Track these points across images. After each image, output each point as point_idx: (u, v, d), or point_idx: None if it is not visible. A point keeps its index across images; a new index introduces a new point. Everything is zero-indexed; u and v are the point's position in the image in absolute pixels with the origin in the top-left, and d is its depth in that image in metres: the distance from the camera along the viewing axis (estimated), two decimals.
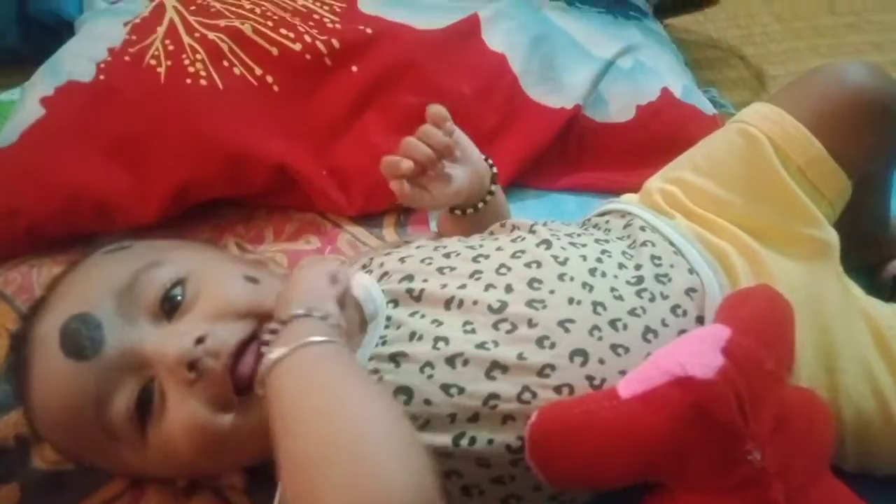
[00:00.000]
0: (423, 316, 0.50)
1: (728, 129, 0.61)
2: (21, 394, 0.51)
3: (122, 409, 0.47)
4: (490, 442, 0.46)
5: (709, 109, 0.83)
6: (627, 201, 0.62)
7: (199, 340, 0.46)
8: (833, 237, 0.57)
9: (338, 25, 0.81)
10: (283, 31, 0.79)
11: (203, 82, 0.76)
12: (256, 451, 0.50)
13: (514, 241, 0.55)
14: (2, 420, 0.58)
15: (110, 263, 0.52)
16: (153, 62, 0.77)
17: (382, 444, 0.37)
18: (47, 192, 0.72)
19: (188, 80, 0.76)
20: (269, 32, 0.79)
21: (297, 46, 0.78)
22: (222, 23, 0.80)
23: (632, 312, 0.50)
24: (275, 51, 0.78)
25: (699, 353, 0.43)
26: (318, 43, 0.78)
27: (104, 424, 0.47)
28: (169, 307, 0.48)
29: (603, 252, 0.54)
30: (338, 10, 0.83)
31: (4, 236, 0.73)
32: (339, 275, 0.50)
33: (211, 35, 0.78)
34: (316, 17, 0.82)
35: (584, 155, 0.80)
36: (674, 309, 0.51)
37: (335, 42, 0.78)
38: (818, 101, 0.58)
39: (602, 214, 0.63)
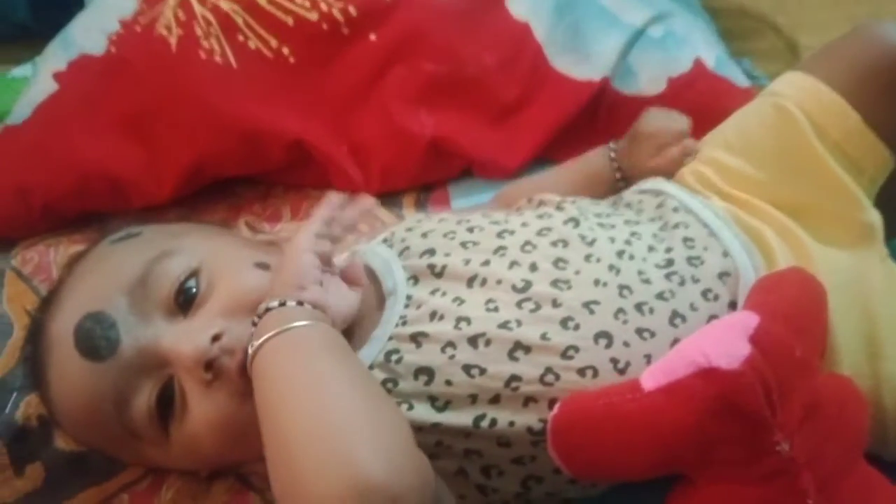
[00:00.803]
0: (444, 294, 0.49)
1: (761, 102, 0.59)
2: (40, 390, 0.51)
3: (143, 409, 0.46)
4: (511, 424, 0.45)
5: (742, 82, 0.79)
6: (660, 181, 0.60)
7: (216, 338, 0.45)
8: (876, 219, 0.54)
9: None
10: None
11: (218, 59, 0.74)
12: None
13: (540, 217, 0.54)
14: (24, 401, 0.59)
15: (120, 254, 0.50)
16: (164, 32, 0.76)
17: (354, 424, 0.37)
18: (61, 170, 0.72)
19: (202, 55, 0.75)
20: (283, 2, 0.76)
21: (314, 15, 0.76)
22: None
23: (659, 296, 0.48)
24: (290, 20, 0.76)
25: (725, 342, 0.42)
26: (334, 11, 0.76)
27: (125, 424, 0.47)
28: (183, 300, 0.47)
29: (633, 234, 0.53)
30: None
31: (20, 213, 0.73)
32: (322, 229, 0.49)
33: (224, 6, 0.76)
34: None
35: (613, 129, 0.76)
36: (705, 293, 0.50)
37: (352, 10, 0.76)
38: (854, 67, 0.55)
39: (635, 193, 0.60)
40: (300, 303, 0.44)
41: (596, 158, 0.68)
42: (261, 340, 0.41)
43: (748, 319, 0.44)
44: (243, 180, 0.78)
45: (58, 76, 0.76)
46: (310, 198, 0.77)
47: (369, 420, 0.37)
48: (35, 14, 1.06)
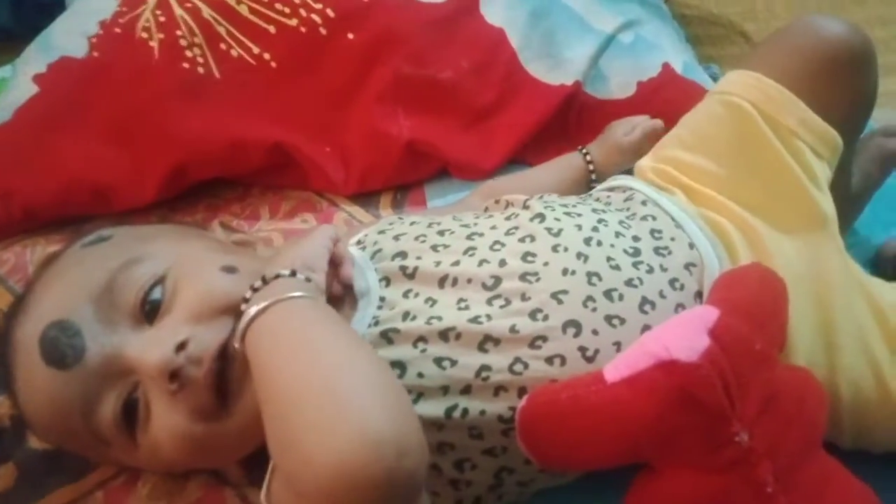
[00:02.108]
0: (416, 295, 0.50)
1: (710, 101, 0.60)
2: (9, 394, 0.51)
3: (109, 417, 0.46)
4: (482, 413, 0.46)
5: (710, 85, 0.80)
6: (627, 178, 0.61)
7: (181, 346, 0.45)
8: (830, 208, 0.56)
9: None
10: (278, 6, 0.78)
11: (200, 70, 0.75)
12: (247, 448, 0.50)
13: (507, 218, 0.55)
14: None
15: (88, 261, 0.50)
16: (144, 35, 0.76)
17: (358, 384, 0.38)
18: (43, 176, 0.72)
19: (185, 66, 0.75)
20: (265, 10, 0.77)
21: (294, 22, 0.77)
22: None
23: (629, 283, 0.49)
24: (272, 29, 0.77)
25: (686, 335, 0.43)
26: (313, 15, 0.77)
27: (93, 431, 0.47)
28: (149, 308, 0.47)
29: (599, 221, 0.53)
30: None
31: (1, 217, 0.72)
32: (335, 238, 0.52)
33: (205, 11, 0.77)
34: None
35: (583, 131, 0.79)
36: (672, 282, 0.51)
37: (330, 12, 0.77)
38: (794, 59, 0.56)
39: (604, 190, 0.62)
40: (307, 279, 0.45)
41: (571, 159, 0.72)
42: (265, 303, 0.42)
43: (708, 314, 0.45)
44: (222, 181, 0.78)
45: (38, 78, 0.76)
46: (288, 198, 0.78)
47: (374, 380, 0.38)
48: (18, 18, 1.06)
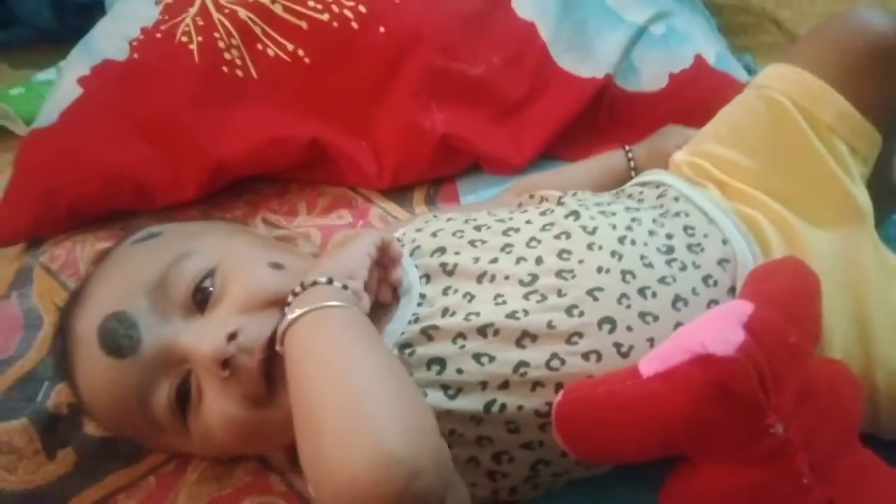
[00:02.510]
0: (455, 291, 0.51)
1: (748, 95, 0.60)
2: (68, 382, 0.53)
3: (163, 403, 0.49)
4: (520, 408, 0.47)
5: (743, 77, 0.80)
6: (660, 173, 0.61)
7: (232, 336, 0.47)
8: (865, 201, 0.55)
9: None
10: (311, 3, 0.79)
11: (239, 73, 0.77)
12: (292, 435, 0.51)
13: (543, 213, 0.56)
14: (55, 389, 0.61)
15: (141, 256, 0.53)
16: (184, 38, 0.78)
17: (379, 401, 0.39)
18: (87, 174, 0.74)
19: (225, 69, 0.77)
20: (297, 7, 0.79)
21: (325, 17, 0.78)
22: None
23: (661, 281, 0.50)
24: (304, 24, 0.78)
25: (721, 329, 0.43)
26: (345, 10, 0.78)
27: (148, 416, 0.49)
28: (200, 299, 0.49)
29: (633, 220, 0.54)
30: None
31: (47, 215, 0.75)
32: (380, 243, 0.52)
33: (241, 13, 0.79)
34: None
35: (615, 125, 0.79)
36: (705, 279, 0.51)
37: (362, 7, 0.78)
38: (836, 54, 0.56)
39: (636, 185, 0.62)
40: (345, 287, 0.46)
41: (613, 157, 0.71)
42: (301, 311, 0.43)
43: (743, 308, 0.45)
44: (261, 177, 0.80)
45: (82, 81, 0.78)
46: (325, 194, 0.79)
47: (396, 399, 0.39)
48: (60, 20, 1.07)
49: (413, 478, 0.35)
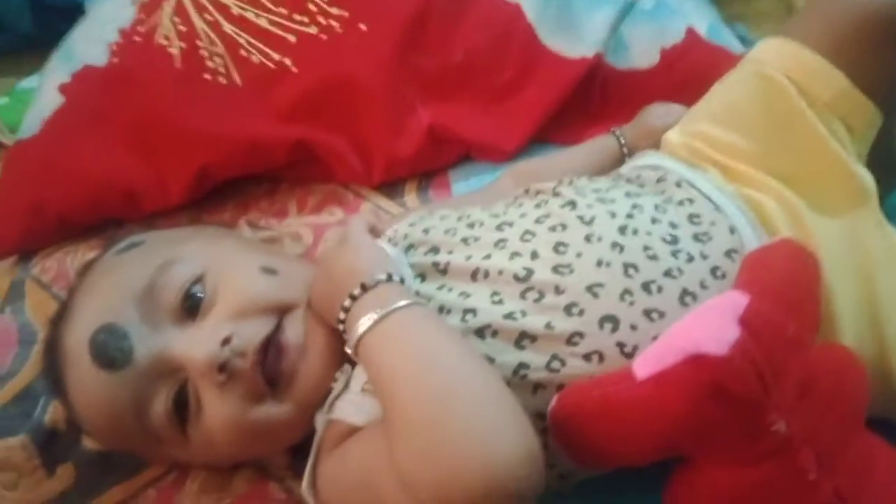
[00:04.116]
0: (450, 289, 0.50)
1: (744, 70, 0.58)
2: (61, 398, 0.53)
3: (161, 413, 0.48)
4: (509, 390, 0.46)
5: (737, 48, 0.78)
6: (657, 156, 0.59)
7: (226, 341, 0.47)
8: (868, 181, 0.53)
9: None
10: (297, 16, 0.78)
11: (222, 80, 0.76)
12: (296, 435, 0.52)
13: (537, 205, 0.54)
14: (52, 404, 0.61)
15: (126, 265, 0.52)
16: (164, 41, 0.77)
17: (494, 402, 0.39)
18: (73, 183, 0.74)
19: (207, 77, 0.76)
20: (284, 21, 0.78)
21: (313, 29, 0.77)
22: (234, 8, 0.78)
23: (667, 274, 0.47)
24: (292, 38, 0.77)
25: (714, 326, 0.41)
26: (332, 21, 0.77)
27: (145, 428, 0.49)
28: (191, 305, 0.49)
29: (634, 206, 0.51)
30: None
31: (36, 227, 0.75)
32: (369, 227, 0.53)
33: (227, 27, 0.77)
34: None
35: (607, 105, 0.77)
36: (713, 271, 0.49)
37: (346, 13, 0.77)
38: (835, 27, 0.54)
39: (633, 168, 0.60)
40: (402, 281, 0.46)
41: (604, 141, 0.70)
42: (379, 314, 0.43)
43: (737, 300, 0.43)
44: (250, 178, 0.79)
45: (63, 88, 0.77)
46: (315, 192, 0.78)
47: (504, 396, 0.40)
48: (40, 24, 1.06)
49: (532, 472, 0.38)
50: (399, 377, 0.41)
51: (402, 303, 0.43)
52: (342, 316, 0.45)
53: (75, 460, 0.59)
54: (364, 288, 0.45)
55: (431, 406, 0.39)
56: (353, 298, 0.45)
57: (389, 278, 0.45)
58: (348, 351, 0.45)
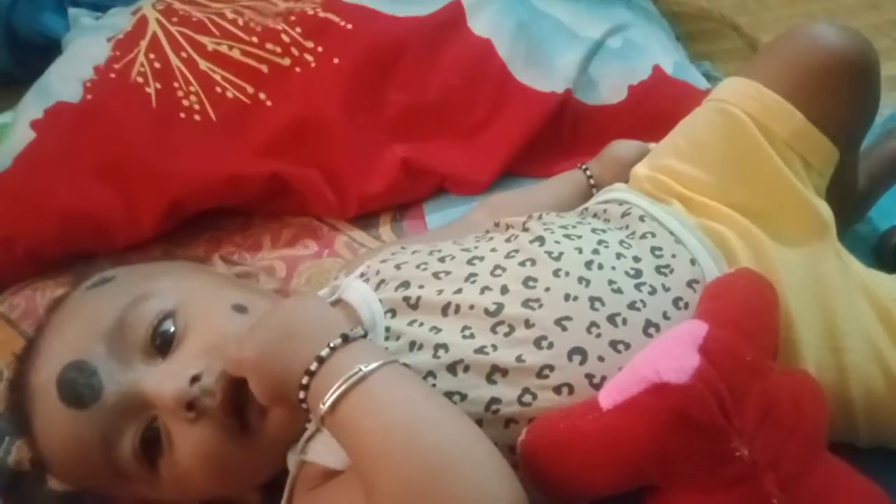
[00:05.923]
0: (421, 324, 0.50)
1: (707, 108, 0.59)
2: (27, 437, 0.52)
3: (129, 451, 0.47)
4: (493, 444, 0.45)
5: (702, 84, 0.81)
6: (622, 190, 0.61)
7: (195, 379, 0.46)
8: (827, 213, 0.55)
9: (319, 11, 0.81)
10: (269, 45, 0.79)
11: (197, 118, 0.77)
12: (268, 473, 0.51)
13: (507, 240, 0.55)
14: (16, 444, 0.60)
15: (95, 301, 0.51)
16: (140, 79, 0.78)
17: (481, 460, 0.39)
18: (43, 218, 0.73)
19: (182, 115, 0.77)
20: (256, 51, 0.79)
21: (287, 61, 0.79)
22: (209, 45, 0.79)
23: (631, 306, 0.49)
24: (265, 68, 0.78)
25: (675, 355, 0.42)
26: (305, 54, 0.79)
27: (113, 466, 0.48)
28: (161, 342, 0.48)
29: (599, 242, 0.53)
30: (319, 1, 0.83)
31: (5, 262, 0.74)
32: None
33: (202, 65, 0.78)
34: (294, 15, 0.81)
35: (577, 139, 0.79)
36: (675, 301, 0.50)
37: (319, 48, 0.78)
38: (793, 69, 0.56)
39: (600, 203, 0.61)
40: (365, 335, 0.44)
41: (572, 176, 0.71)
42: (350, 382, 0.40)
43: (697, 329, 0.44)
44: (224, 212, 0.79)
45: (35, 124, 0.77)
46: (289, 225, 0.78)
47: (489, 451, 0.39)
48: (17, 61, 1.06)
49: None
50: (377, 452, 0.39)
51: (367, 367, 0.41)
52: (301, 395, 0.43)
53: (41, 502, 0.57)
54: (321, 360, 0.42)
55: (420, 484, 0.38)
56: (311, 374, 0.42)
57: (345, 339, 0.43)
58: (318, 421, 0.42)
